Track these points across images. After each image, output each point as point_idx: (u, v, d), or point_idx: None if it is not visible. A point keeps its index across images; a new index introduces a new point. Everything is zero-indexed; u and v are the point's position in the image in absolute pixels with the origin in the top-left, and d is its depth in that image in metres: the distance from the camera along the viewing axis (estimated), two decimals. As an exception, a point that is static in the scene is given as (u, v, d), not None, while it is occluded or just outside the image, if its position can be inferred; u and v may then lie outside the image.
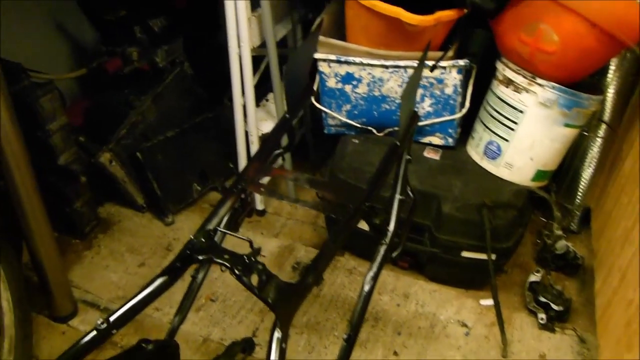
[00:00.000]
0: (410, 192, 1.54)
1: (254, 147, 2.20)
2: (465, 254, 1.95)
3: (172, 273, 1.13)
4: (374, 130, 2.09)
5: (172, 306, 1.98)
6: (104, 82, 2.31)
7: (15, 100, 1.87)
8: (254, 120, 2.14)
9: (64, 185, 2.03)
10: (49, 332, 1.87)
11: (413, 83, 1.40)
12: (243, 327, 1.93)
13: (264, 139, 1.46)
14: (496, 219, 1.87)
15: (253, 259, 1.05)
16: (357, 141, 2.11)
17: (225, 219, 1.30)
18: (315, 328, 1.92)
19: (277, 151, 1.53)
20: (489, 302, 2.03)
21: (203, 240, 1.10)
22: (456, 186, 1.93)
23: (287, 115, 1.53)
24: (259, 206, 2.35)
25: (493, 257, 1.91)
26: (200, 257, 1.09)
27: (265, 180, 2.08)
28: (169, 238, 2.24)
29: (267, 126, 2.28)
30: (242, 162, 2.23)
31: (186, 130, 2.34)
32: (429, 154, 2.06)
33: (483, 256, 1.92)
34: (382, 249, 1.38)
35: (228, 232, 1.15)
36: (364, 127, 2.10)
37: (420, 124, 2.02)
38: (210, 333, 1.89)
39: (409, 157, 1.50)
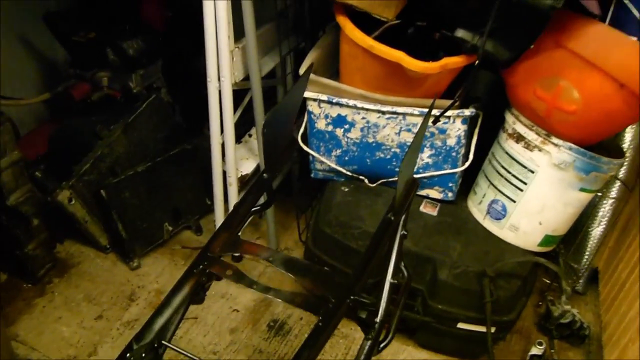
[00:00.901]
0: (404, 270, 1.32)
1: (233, 189, 1.98)
2: (461, 325, 1.74)
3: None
4: (366, 180, 1.88)
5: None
6: (71, 109, 2.08)
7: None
8: (233, 161, 1.92)
9: (14, 227, 1.80)
10: (-16, 399, 1.64)
11: (416, 143, 1.19)
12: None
13: (236, 205, 1.25)
14: (498, 289, 1.66)
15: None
16: (346, 189, 1.89)
17: (182, 310, 1.08)
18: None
19: (254, 208, 1.32)
20: (486, 376, 1.83)
21: (143, 355, 0.88)
22: (455, 249, 1.72)
23: (264, 175, 1.31)
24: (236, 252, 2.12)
25: (492, 329, 1.70)
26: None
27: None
28: (132, 285, 2.02)
29: (248, 166, 2.06)
30: (219, 206, 2.01)
31: (159, 164, 2.12)
32: (425, 208, 1.85)
33: (481, 328, 1.72)
34: (367, 345, 1.16)
35: (178, 349, 0.93)
36: (354, 175, 1.89)
37: (417, 176, 1.81)
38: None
39: (404, 232, 1.28)
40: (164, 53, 2.19)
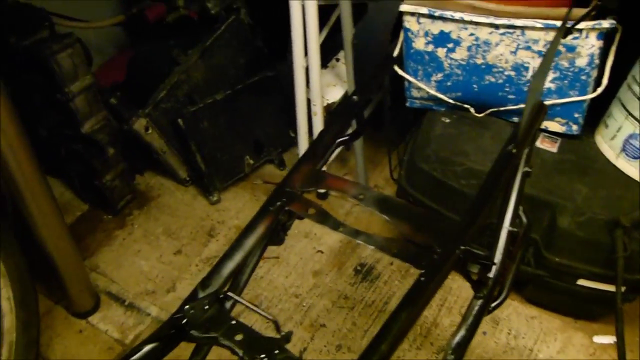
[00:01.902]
0: (523, 216, 1.08)
1: (317, 120, 1.78)
2: (582, 282, 1.48)
3: (163, 340, 0.76)
4: (472, 109, 1.61)
5: None
6: (145, 32, 1.94)
7: (30, 57, 1.56)
8: (318, 87, 1.71)
9: (91, 157, 1.72)
10: (64, 329, 1.61)
11: (548, 59, 0.93)
12: (288, 344, 1.58)
13: (320, 133, 1.04)
14: (632, 242, 1.37)
15: (281, 351, 0.66)
16: (447, 120, 1.64)
17: (257, 252, 0.92)
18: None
19: (340, 138, 1.12)
20: (606, 339, 1.58)
21: (206, 307, 0.72)
22: (579, 192, 1.44)
23: (354, 98, 1.10)
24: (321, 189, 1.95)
25: (622, 289, 1.43)
26: (198, 335, 0.71)
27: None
28: (212, 220, 1.91)
29: (335, 93, 1.85)
30: (302, 139, 1.82)
31: (240, 92, 1.95)
32: (543, 144, 1.56)
33: (607, 287, 1.45)
34: (477, 305, 0.95)
35: (248, 304, 0.76)
36: (458, 103, 1.62)
37: (535, 104, 1.52)
38: (248, 349, 1.56)
39: (528, 169, 1.03)
40: (245, -33, 1.98)
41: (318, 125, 1.80)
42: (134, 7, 1.91)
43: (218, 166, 1.93)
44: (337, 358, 1.53)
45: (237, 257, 0.89)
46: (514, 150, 0.97)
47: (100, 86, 1.85)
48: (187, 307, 0.74)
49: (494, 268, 0.97)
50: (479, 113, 1.60)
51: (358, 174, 2.01)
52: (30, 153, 1.25)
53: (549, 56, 0.93)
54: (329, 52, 1.96)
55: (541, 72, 0.94)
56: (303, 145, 1.85)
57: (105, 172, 1.77)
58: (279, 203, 0.95)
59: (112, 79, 2.01)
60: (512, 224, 1.00)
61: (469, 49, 1.51)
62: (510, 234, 1.00)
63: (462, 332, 0.94)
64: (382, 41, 1.09)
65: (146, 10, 1.88)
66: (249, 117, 2.00)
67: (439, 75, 1.60)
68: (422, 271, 0.84)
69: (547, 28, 1.39)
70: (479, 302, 0.96)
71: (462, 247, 0.87)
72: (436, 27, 1.52)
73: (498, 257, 0.99)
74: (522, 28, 1.41)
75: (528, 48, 1.44)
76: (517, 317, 1.63)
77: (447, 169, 1.54)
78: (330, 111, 1.84)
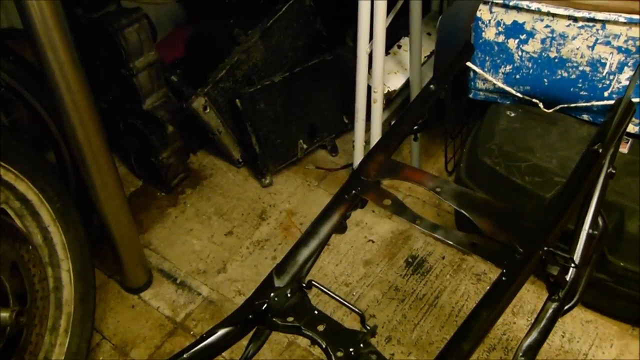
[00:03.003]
0: (601, 218, 1.04)
1: (377, 107, 1.75)
2: (647, 289, 1.42)
3: (241, 325, 0.76)
4: (540, 104, 1.55)
5: None
6: (206, 10, 1.93)
7: (97, 30, 1.57)
8: (380, 74, 1.68)
9: (150, 133, 1.73)
10: (118, 303, 1.63)
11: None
12: None
13: (395, 122, 1.02)
14: None
15: (365, 345, 0.64)
16: (513, 114, 1.59)
17: (326, 240, 0.90)
18: (427, 349, 1.52)
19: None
20: (666, 350, 1.52)
21: (288, 294, 0.71)
22: (650, 196, 1.38)
23: (431, 86, 1.07)
24: (374, 177, 1.93)
25: (689, 299, 1.38)
26: (281, 322, 0.70)
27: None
28: (263, 203, 1.90)
29: (396, 81, 1.82)
30: (360, 125, 1.79)
31: (297, 75, 1.93)
32: (613, 144, 1.49)
33: (674, 296, 1.39)
34: (552, 308, 0.92)
35: (334, 295, 0.75)
36: (526, 97, 1.57)
37: (606, 102, 1.46)
38: (296, 336, 1.55)
39: (613, 169, 0.99)
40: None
41: (377, 112, 1.77)
42: (198, -16, 1.90)
43: (272, 149, 1.93)
44: (387, 350, 1.52)
45: (312, 244, 0.87)
46: (600, 150, 0.93)
47: (163, 60, 1.85)
48: (272, 294, 0.72)
49: (571, 270, 0.93)
50: (548, 108, 1.55)
51: (412, 164, 1.97)
52: (98, 126, 1.26)
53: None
54: (390, 39, 1.93)
55: None
56: (360, 132, 1.82)
57: (162, 149, 1.78)
58: (354, 191, 0.94)
59: (170, 56, 2.01)
60: (592, 226, 0.96)
61: (542, 41, 1.46)
62: (589, 236, 0.96)
63: (534, 335, 0.91)
64: (464, 28, 1.05)
65: (209, -12, 1.88)
66: (304, 100, 1.98)
67: (508, 68, 1.55)
68: (503, 270, 0.81)
69: (630, 23, 1.33)
70: (554, 304, 0.93)
71: (545, 248, 0.83)
72: (509, 17, 1.47)
73: (577, 260, 0.95)
74: (604, 22, 1.35)
75: (608, 43, 1.38)
76: (572, 320, 1.58)
77: (511, 164, 1.50)
78: (390, 99, 1.81)
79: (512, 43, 1.50)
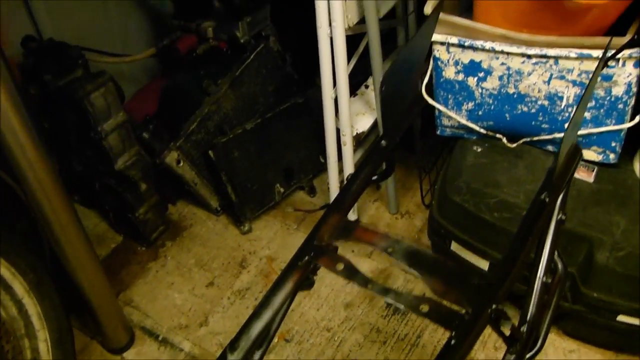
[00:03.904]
0: (559, 261, 1.05)
1: (347, 150, 1.77)
2: (622, 318, 1.42)
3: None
4: (504, 139, 1.57)
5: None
6: (177, 63, 1.97)
7: (64, 96, 1.60)
8: (347, 118, 1.70)
9: (124, 191, 1.75)
10: (101, 364, 1.64)
11: (585, 99, 0.90)
12: (321, 380, 1.57)
13: (348, 181, 1.03)
14: (677, 279, 1.32)
15: None
16: (479, 149, 1.61)
17: (284, 307, 0.91)
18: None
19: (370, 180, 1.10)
20: (650, 376, 1.51)
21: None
22: (617, 225, 1.39)
23: (382, 142, 1.08)
24: (352, 216, 1.94)
25: (666, 325, 1.38)
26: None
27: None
28: (244, 251, 1.91)
29: (364, 123, 1.84)
30: (332, 168, 1.81)
31: (269, 120, 1.96)
32: (579, 173, 1.51)
33: (650, 323, 1.40)
34: (513, 360, 0.93)
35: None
36: (489, 132, 1.59)
37: (570, 133, 1.47)
38: (279, 386, 1.56)
39: (563, 216, 1.00)
40: (273, -4, 1.98)
41: (348, 155, 1.78)
42: (166, 39, 1.93)
43: (249, 196, 1.94)
44: (370, 395, 1.52)
45: (266, 316, 0.88)
46: (547, 199, 0.94)
47: (133, 118, 1.88)
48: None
49: (527, 321, 0.94)
50: (512, 142, 1.57)
51: (389, 200, 1.99)
52: (64, 200, 1.28)
53: (586, 95, 0.90)
54: (358, 78, 1.95)
55: (579, 111, 0.90)
56: (333, 174, 1.84)
57: (138, 206, 1.79)
58: (307, 257, 0.95)
59: (145, 109, 2.04)
60: (546, 273, 0.97)
61: (500, 78, 1.48)
62: (543, 284, 0.97)
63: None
64: (411, 81, 1.07)
65: (177, 42, 1.91)
66: (279, 144, 2.00)
67: (470, 104, 1.58)
68: (452, 333, 0.81)
69: (581, 57, 1.35)
70: (512, 357, 0.93)
71: (494, 307, 0.84)
72: (466, 56, 1.49)
73: (532, 310, 0.96)
74: (556, 58, 1.37)
75: (562, 77, 1.40)
76: (554, 351, 1.58)
77: (479, 201, 1.51)
78: (360, 140, 1.83)
79: (472, 81, 1.53)
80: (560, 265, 1.06)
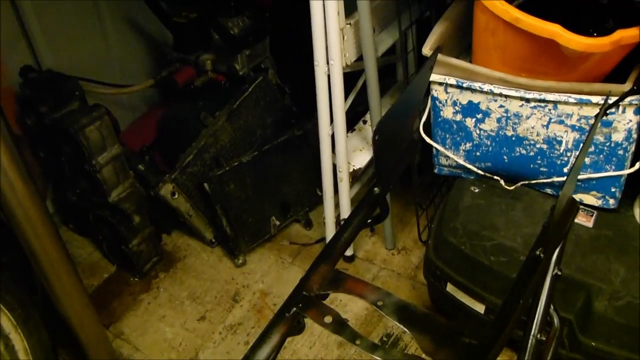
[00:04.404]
0: (554, 315, 1.02)
1: (344, 186, 1.76)
2: (621, 368, 1.39)
3: None
4: (501, 181, 1.56)
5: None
6: (175, 94, 1.96)
7: (59, 129, 1.59)
8: (344, 154, 1.69)
9: (118, 224, 1.73)
10: (88, 401, 1.60)
11: (584, 150, 0.89)
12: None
13: (338, 231, 1.02)
14: (676, 330, 1.29)
15: None
16: (477, 190, 1.59)
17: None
18: None
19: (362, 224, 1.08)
20: None
21: None
22: (617, 273, 1.36)
23: (375, 190, 1.07)
24: (348, 251, 1.92)
25: (665, 378, 1.34)
26: None
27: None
28: (237, 284, 1.89)
29: (362, 159, 1.82)
30: (329, 204, 1.80)
31: (266, 153, 1.95)
32: (578, 218, 1.49)
33: (649, 374, 1.36)
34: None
35: None
36: (487, 174, 1.57)
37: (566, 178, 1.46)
38: None
39: (559, 271, 0.98)
40: (272, 30, 1.99)
41: (344, 191, 1.77)
42: (164, 70, 1.93)
43: (244, 228, 1.92)
44: None
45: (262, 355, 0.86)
46: (542, 255, 0.92)
47: (129, 148, 1.87)
48: None
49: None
50: (510, 184, 1.55)
51: (385, 236, 1.97)
52: (50, 229, 1.25)
53: (585, 146, 0.88)
54: (357, 109, 1.95)
55: (577, 164, 0.89)
56: (329, 210, 1.82)
57: (131, 238, 1.78)
58: (294, 309, 0.92)
59: (143, 137, 2.03)
60: (541, 330, 0.94)
61: (498, 120, 1.47)
62: (538, 342, 0.95)
63: None
64: (406, 129, 1.06)
65: (175, 74, 1.91)
66: (275, 176, 1.99)
67: (468, 145, 1.56)
68: (443, 397, 0.79)
69: (581, 103, 1.34)
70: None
71: (486, 366, 0.82)
72: (464, 97, 1.48)
73: (526, 368, 0.93)
74: (555, 102, 1.36)
75: (561, 122, 1.39)
76: (552, 398, 1.54)
77: (476, 243, 1.49)
78: (356, 177, 1.82)
79: (470, 122, 1.52)
80: (556, 320, 1.03)
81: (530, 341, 0.93)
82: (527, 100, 1.39)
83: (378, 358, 0.86)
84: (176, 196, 1.80)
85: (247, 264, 1.95)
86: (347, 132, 1.73)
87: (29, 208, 1.16)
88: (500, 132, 1.49)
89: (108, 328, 1.77)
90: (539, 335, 0.95)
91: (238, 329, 1.76)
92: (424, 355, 0.86)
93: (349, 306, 1.80)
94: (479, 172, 1.58)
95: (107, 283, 1.91)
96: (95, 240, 1.99)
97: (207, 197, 1.83)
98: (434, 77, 1.48)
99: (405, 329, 0.88)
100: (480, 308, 1.53)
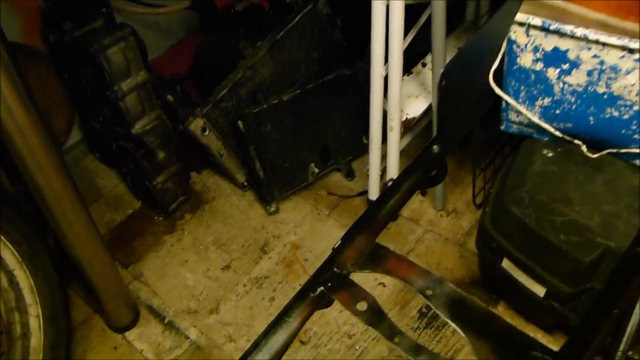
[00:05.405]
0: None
1: (393, 135, 1.55)
2: None
3: None
4: (583, 146, 1.31)
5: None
6: (214, 19, 1.76)
7: (79, 48, 1.42)
8: (397, 100, 1.47)
9: (141, 158, 1.58)
10: (100, 343, 1.51)
11: None
12: (335, 394, 1.40)
13: (384, 192, 0.82)
14: None
15: None
16: (550, 154, 1.35)
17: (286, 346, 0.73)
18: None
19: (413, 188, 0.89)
20: None
21: None
22: None
23: (434, 148, 0.86)
24: (391, 208, 1.72)
25: None
26: None
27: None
28: (267, 234, 1.74)
29: (417, 107, 1.60)
30: (374, 155, 1.59)
31: (310, 92, 1.74)
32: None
33: None
34: None
35: None
36: (566, 136, 1.33)
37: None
38: (289, 395, 1.39)
39: (661, 274, 0.76)
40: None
41: (394, 142, 1.56)
42: (203, -9, 1.73)
43: (279, 174, 1.75)
44: (388, 421, 1.34)
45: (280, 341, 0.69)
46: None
47: (160, 76, 1.70)
48: None
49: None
50: (593, 152, 1.30)
51: (435, 195, 1.76)
52: (55, 160, 1.11)
53: None
54: (415, 50, 1.70)
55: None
56: (375, 161, 1.62)
57: (156, 174, 1.63)
58: (321, 288, 0.75)
59: (177, 67, 1.86)
60: (632, 347, 0.74)
61: (589, 73, 1.21)
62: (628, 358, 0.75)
63: None
64: (484, 73, 0.85)
65: (215, -4, 1.70)
66: (318, 119, 1.79)
67: (547, 100, 1.31)
68: None
69: (700, 58, 1.07)
70: None
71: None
72: (549, 43, 1.23)
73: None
74: (667, 55, 1.10)
75: (670, 81, 1.13)
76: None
77: (543, 217, 1.27)
78: (409, 126, 1.60)
79: (552, 73, 1.26)
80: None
81: (617, 359, 0.73)
82: (631, 51, 1.13)
83: (421, 365, 0.68)
84: (207, 133, 1.63)
85: (280, 212, 1.79)
86: (403, 75, 1.50)
87: (30, 135, 1.02)
88: (590, 88, 1.23)
89: (127, 268, 1.66)
90: (630, 353, 0.74)
91: (264, 282, 1.62)
92: (479, 366, 0.68)
93: (387, 270, 1.63)
94: (556, 133, 1.33)
95: (130, 220, 1.80)
96: (120, 172, 1.86)
97: (241, 137, 1.65)
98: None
99: (460, 331, 0.70)
100: (539, 290, 1.33)
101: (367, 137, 1.83)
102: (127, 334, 1.52)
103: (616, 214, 1.23)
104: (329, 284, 0.75)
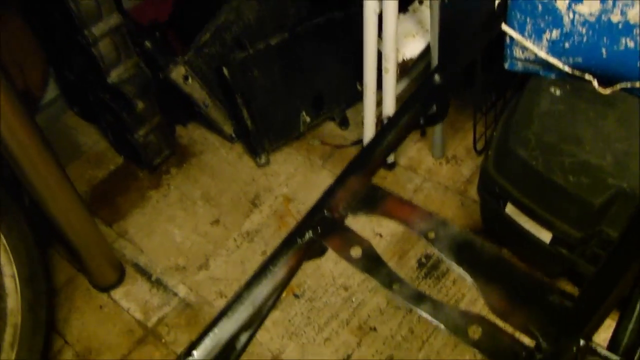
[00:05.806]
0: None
1: (389, 78, 1.45)
2: None
3: None
4: (594, 81, 1.22)
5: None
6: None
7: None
8: (392, 40, 1.36)
9: (120, 109, 1.48)
10: (84, 303, 1.44)
11: None
12: (329, 348, 1.34)
13: (382, 129, 0.73)
14: None
15: None
16: (558, 92, 1.26)
17: (272, 299, 0.65)
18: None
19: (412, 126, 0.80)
20: None
21: None
22: None
23: (436, 78, 0.77)
24: (389, 157, 1.64)
25: None
26: None
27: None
28: (257, 186, 1.65)
29: (414, 47, 1.49)
30: (369, 101, 1.50)
31: (299, 36, 1.63)
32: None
33: None
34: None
35: None
36: (576, 72, 1.23)
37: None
38: (282, 350, 1.34)
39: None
40: None
41: (390, 85, 1.46)
42: None
43: (268, 124, 1.65)
44: (387, 374, 1.29)
45: (244, 314, 0.62)
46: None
47: (139, 22, 1.59)
48: None
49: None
50: (605, 87, 1.21)
51: (434, 141, 1.67)
52: (16, 107, 1.01)
53: None
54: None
55: None
56: (370, 106, 1.53)
57: (137, 127, 1.53)
58: (310, 234, 0.67)
59: (157, 12, 1.73)
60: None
61: (603, 1, 1.11)
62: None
63: None
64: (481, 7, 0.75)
65: None
66: (309, 65, 1.68)
67: (555, 33, 1.21)
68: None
69: None
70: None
71: (582, 343, 0.55)
72: (559, -32, 1.12)
73: (626, 340, 0.66)
74: (690, -25, 0.99)
75: (692, 4, 1.03)
76: None
77: (551, 159, 1.18)
78: (405, 69, 1.50)
79: (562, 2, 1.16)
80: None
81: (632, 321, 0.66)
82: (650, -28, 1.02)
83: (424, 314, 0.61)
84: (189, 81, 1.52)
85: (271, 164, 1.70)
86: (399, 12, 1.38)
87: (7, 110, 0.91)
88: (603, 17, 1.13)
89: (111, 226, 1.58)
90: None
91: (255, 236, 1.54)
92: (489, 315, 0.61)
93: (385, 221, 1.55)
94: (566, 69, 1.23)
95: (113, 176, 1.71)
96: (101, 127, 1.77)
97: (226, 84, 1.55)
98: (520, -63, 1.11)
99: (467, 276, 0.62)
100: (545, 236, 1.26)
101: (361, 84, 1.73)
102: (112, 292, 1.45)
103: (629, 153, 1.14)
104: (319, 230, 0.67)
